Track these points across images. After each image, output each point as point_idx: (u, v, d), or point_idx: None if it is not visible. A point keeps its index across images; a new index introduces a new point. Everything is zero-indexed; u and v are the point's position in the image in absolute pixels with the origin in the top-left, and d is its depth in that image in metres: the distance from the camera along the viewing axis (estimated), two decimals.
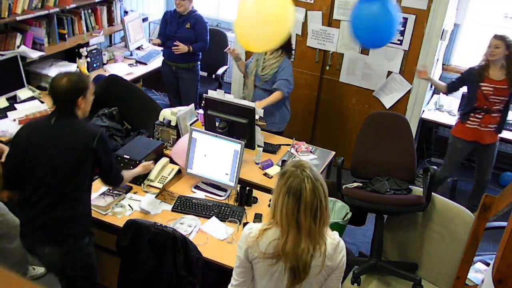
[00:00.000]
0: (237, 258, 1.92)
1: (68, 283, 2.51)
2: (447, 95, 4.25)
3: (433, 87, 4.68)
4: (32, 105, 3.87)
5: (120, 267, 2.59)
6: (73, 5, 4.36)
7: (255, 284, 1.96)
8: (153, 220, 2.62)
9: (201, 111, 3.59)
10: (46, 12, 4.10)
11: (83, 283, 2.49)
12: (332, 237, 1.87)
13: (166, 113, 3.43)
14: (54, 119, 2.30)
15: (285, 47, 3.74)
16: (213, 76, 5.21)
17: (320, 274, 1.85)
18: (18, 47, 4.03)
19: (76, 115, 2.33)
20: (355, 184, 3.06)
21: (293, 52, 4.08)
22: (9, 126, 3.57)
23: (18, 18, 3.87)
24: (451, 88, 4.02)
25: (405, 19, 4.09)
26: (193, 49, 4.47)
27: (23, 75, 3.99)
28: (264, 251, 1.83)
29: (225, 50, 4.00)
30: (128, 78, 4.41)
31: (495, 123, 3.85)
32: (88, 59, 4.54)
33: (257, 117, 3.28)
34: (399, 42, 4.18)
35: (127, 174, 2.70)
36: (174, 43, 4.40)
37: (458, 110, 4.22)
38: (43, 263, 2.44)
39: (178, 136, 3.38)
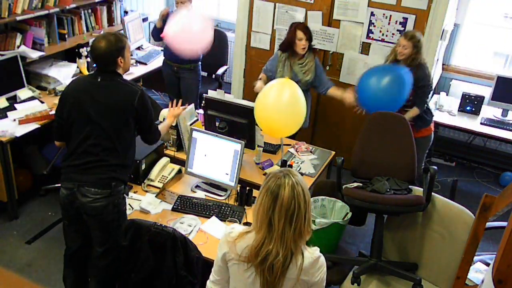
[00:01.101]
0: (216, 255, 1.93)
1: (100, 227, 2.58)
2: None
3: (433, 87, 4.68)
4: (32, 105, 3.87)
5: (120, 267, 2.60)
6: (73, 5, 4.36)
7: (230, 286, 1.95)
8: (153, 220, 2.63)
9: (201, 111, 3.59)
10: (46, 12, 4.10)
11: (115, 228, 2.57)
12: (311, 252, 1.84)
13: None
14: (100, 79, 2.50)
15: (311, 46, 3.76)
16: (213, 76, 5.21)
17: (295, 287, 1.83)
18: (18, 47, 4.03)
19: (118, 73, 2.54)
20: (355, 184, 3.06)
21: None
22: (9, 126, 3.57)
23: (18, 18, 3.87)
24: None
25: (405, 19, 4.09)
26: None
27: (23, 75, 3.99)
28: (240, 253, 1.82)
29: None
30: (128, 78, 4.40)
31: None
32: (88, 59, 4.53)
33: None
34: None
35: (162, 128, 2.88)
36: None
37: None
38: (85, 206, 2.51)
39: (178, 136, 3.38)
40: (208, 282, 2.00)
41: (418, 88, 3.64)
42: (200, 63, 4.66)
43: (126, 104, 2.48)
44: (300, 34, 3.65)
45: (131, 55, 5.00)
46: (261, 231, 1.79)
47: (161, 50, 4.87)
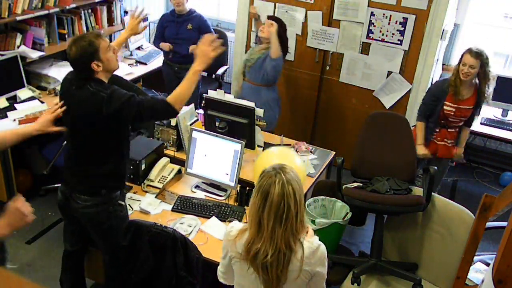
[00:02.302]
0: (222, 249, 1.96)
1: (97, 234, 2.57)
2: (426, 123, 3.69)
3: None
4: (32, 105, 3.86)
5: (120, 267, 2.60)
6: (73, 5, 4.35)
7: (235, 282, 1.98)
8: (153, 220, 2.63)
9: (201, 111, 3.58)
10: (46, 12, 4.10)
11: (114, 235, 2.53)
12: (311, 242, 1.85)
13: None
14: (74, 86, 2.35)
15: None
16: (213, 76, 5.21)
17: (299, 278, 1.84)
18: (18, 47, 4.03)
19: (92, 78, 2.32)
20: (355, 184, 3.06)
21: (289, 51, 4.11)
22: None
23: (18, 18, 3.87)
24: (424, 113, 3.63)
25: (405, 19, 4.09)
26: None
27: (23, 75, 3.99)
28: (240, 252, 1.84)
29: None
30: (128, 78, 4.41)
31: (452, 138, 3.67)
32: None
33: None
34: (399, 42, 4.18)
35: (179, 88, 2.46)
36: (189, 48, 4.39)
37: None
38: (78, 212, 2.49)
39: (178, 136, 3.38)
40: (218, 269, 2.04)
41: (478, 104, 3.52)
42: None
43: (96, 114, 2.29)
44: (267, 21, 3.90)
45: (130, 53, 5.01)
46: (251, 230, 1.81)
47: (161, 50, 4.87)
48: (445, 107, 3.54)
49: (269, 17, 3.93)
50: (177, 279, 2.42)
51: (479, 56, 3.34)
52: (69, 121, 2.41)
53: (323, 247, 1.87)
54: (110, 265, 2.64)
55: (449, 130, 3.65)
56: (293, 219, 1.76)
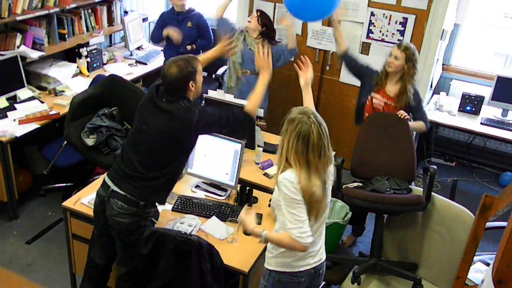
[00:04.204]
0: (292, 202, 2.04)
1: (121, 244, 2.55)
2: (340, 63, 3.76)
3: (433, 87, 4.68)
4: (32, 105, 3.87)
5: (134, 276, 2.57)
6: (73, 5, 4.36)
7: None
8: None
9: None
10: (46, 12, 4.10)
11: (133, 247, 2.51)
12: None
13: None
14: (165, 99, 2.43)
15: (265, 33, 3.93)
16: (213, 76, 5.21)
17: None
18: (18, 47, 4.03)
19: (186, 97, 2.44)
20: (355, 184, 3.06)
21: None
22: (9, 126, 3.57)
23: (18, 18, 3.87)
24: (347, 58, 3.58)
25: (405, 19, 4.09)
26: (197, 47, 4.48)
27: (23, 75, 3.99)
28: (302, 196, 2.06)
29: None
30: (128, 78, 4.41)
31: None
32: (88, 59, 4.54)
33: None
34: (399, 42, 4.17)
35: (255, 97, 2.63)
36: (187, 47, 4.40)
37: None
38: (111, 219, 2.49)
39: None
40: (303, 232, 2.04)
41: (415, 107, 3.37)
42: None
43: (184, 127, 2.40)
44: (253, 13, 4.01)
45: (130, 53, 5.01)
46: (302, 171, 2.04)
47: (161, 50, 4.87)
48: (374, 100, 3.44)
49: (258, 11, 4.02)
50: (204, 286, 2.40)
51: (406, 50, 3.27)
52: (146, 129, 2.44)
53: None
54: (126, 278, 2.60)
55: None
56: (327, 151, 2.09)
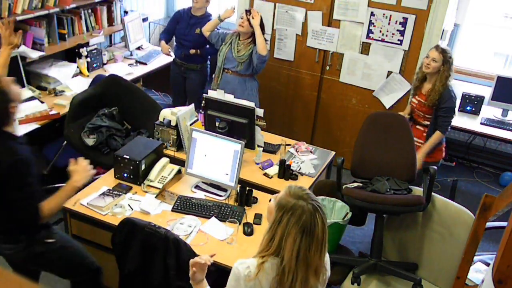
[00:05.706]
0: None
1: (55, 273, 2.54)
2: None
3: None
4: (32, 105, 3.86)
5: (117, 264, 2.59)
6: (73, 5, 4.36)
7: None
8: (153, 221, 2.62)
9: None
10: (46, 12, 4.10)
11: (67, 269, 2.49)
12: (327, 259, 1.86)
13: (166, 113, 3.43)
14: None
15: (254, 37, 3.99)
16: (213, 76, 5.20)
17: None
18: (18, 47, 4.02)
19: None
20: (355, 184, 3.06)
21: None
22: None
23: (18, 18, 3.87)
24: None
25: (405, 19, 4.09)
26: (205, 53, 4.54)
27: (23, 75, 3.99)
28: (270, 287, 1.76)
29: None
30: (128, 78, 4.41)
31: (419, 137, 3.58)
32: (88, 59, 4.54)
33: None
34: (399, 42, 4.18)
35: (58, 198, 2.38)
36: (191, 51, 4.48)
37: None
38: (6, 259, 2.46)
39: (178, 136, 3.38)
40: None
41: (441, 109, 3.47)
42: (208, 62, 4.66)
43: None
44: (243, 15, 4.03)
45: (130, 53, 5.01)
46: (300, 273, 1.72)
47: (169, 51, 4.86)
48: (413, 100, 3.69)
49: (247, 11, 4.01)
50: (166, 280, 2.39)
51: (444, 52, 3.43)
52: None
53: (328, 256, 1.88)
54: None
55: (417, 127, 3.67)
56: (327, 241, 1.76)
